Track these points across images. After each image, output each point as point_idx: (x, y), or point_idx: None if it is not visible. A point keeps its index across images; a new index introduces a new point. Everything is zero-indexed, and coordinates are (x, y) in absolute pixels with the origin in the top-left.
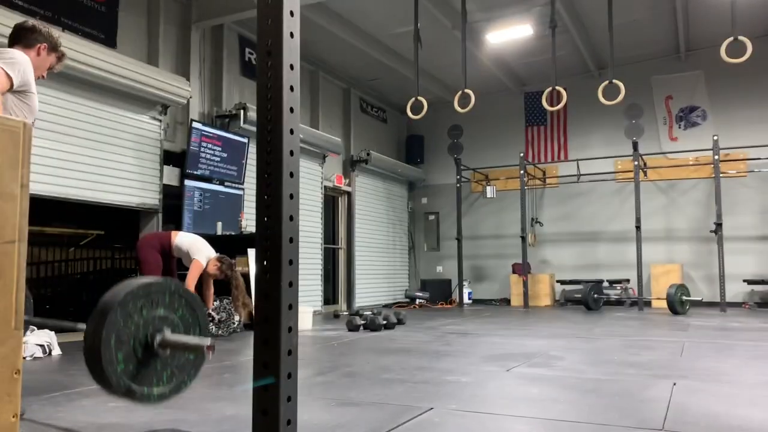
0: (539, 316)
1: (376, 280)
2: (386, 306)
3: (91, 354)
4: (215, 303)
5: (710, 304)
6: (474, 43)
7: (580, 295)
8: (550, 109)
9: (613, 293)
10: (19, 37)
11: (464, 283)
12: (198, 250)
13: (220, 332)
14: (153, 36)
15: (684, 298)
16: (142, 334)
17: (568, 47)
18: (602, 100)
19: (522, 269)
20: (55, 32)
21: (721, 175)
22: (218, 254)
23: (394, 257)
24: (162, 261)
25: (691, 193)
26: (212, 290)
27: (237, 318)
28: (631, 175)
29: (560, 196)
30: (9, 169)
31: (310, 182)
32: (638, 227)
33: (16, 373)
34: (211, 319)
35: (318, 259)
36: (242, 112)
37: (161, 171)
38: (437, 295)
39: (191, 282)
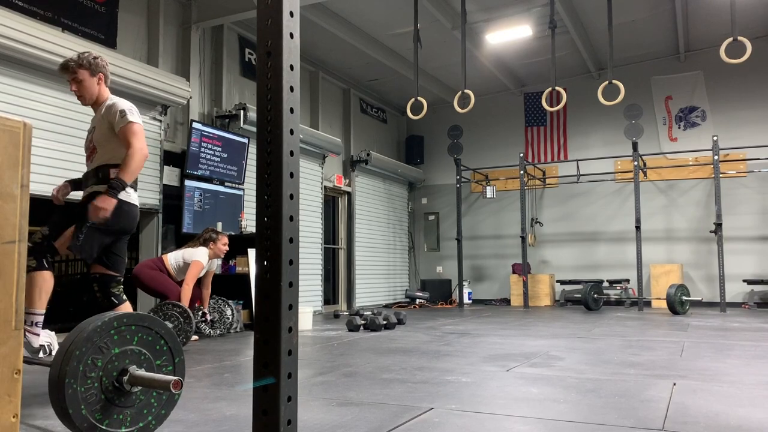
0: (539, 316)
1: (376, 280)
2: (386, 306)
3: None
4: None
5: (710, 304)
6: (474, 43)
7: (580, 295)
8: (549, 109)
9: (613, 293)
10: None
11: (464, 283)
12: (192, 253)
13: (217, 332)
14: (153, 36)
15: (684, 298)
16: (107, 383)
17: (568, 48)
18: (602, 100)
19: (522, 269)
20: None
21: (720, 175)
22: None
23: (394, 257)
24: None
25: (690, 194)
26: (210, 290)
27: (229, 312)
28: (631, 175)
29: (560, 196)
30: (9, 169)
31: (310, 182)
32: (638, 227)
33: (16, 373)
34: (204, 320)
35: (318, 259)
36: (242, 112)
37: (161, 171)
38: (437, 295)
39: (190, 281)
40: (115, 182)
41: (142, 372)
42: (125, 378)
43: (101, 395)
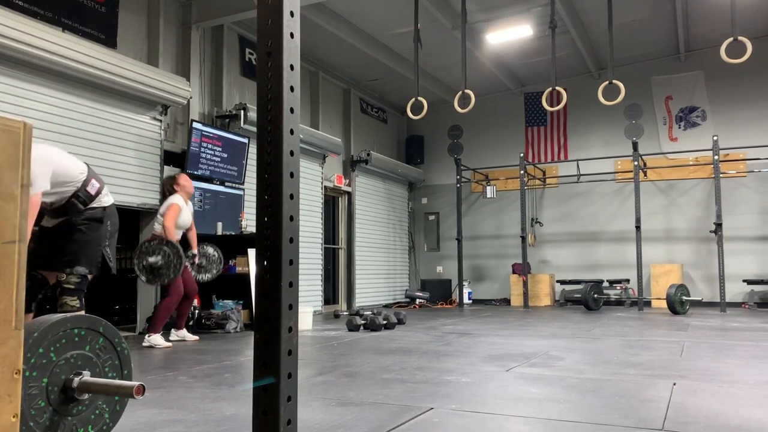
0: (539, 316)
1: (376, 280)
2: (386, 306)
3: None
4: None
5: (710, 304)
6: (474, 43)
7: (580, 295)
8: (550, 109)
9: (613, 293)
10: None
11: (464, 283)
12: (165, 202)
13: (207, 276)
14: (153, 36)
15: (684, 298)
16: (62, 408)
17: (568, 48)
18: (602, 100)
19: (522, 269)
20: None
21: (720, 175)
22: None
23: (394, 257)
24: None
25: (691, 193)
26: (194, 231)
27: (211, 251)
28: (631, 175)
29: (560, 196)
30: (9, 169)
31: (310, 182)
32: (638, 227)
33: (16, 373)
34: (191, 262)
35: (318, 259)
36: (242, 112)
37: (161, 171)
38: (437, 295)
39: (169, 219)
40: None
41: (87, 378)
42: (74, 392)
43: (67, 417)
